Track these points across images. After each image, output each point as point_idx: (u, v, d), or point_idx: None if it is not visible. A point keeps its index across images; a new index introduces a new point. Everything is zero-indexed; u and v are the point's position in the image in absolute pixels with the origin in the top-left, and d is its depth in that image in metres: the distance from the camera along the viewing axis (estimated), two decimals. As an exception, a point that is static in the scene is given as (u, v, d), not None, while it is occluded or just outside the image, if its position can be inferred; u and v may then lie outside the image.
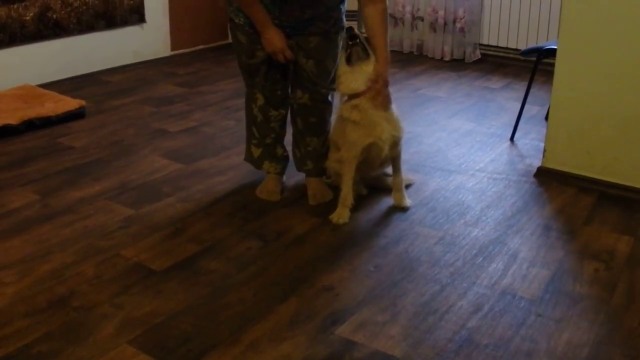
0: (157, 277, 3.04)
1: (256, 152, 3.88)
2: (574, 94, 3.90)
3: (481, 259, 3.23)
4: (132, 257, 3.20)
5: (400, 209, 3.69)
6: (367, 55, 3.44)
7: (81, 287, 2.96)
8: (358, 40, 3.41)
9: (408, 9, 7.09)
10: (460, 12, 6.77)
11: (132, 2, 6.43)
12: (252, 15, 3.43)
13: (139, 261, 3.16)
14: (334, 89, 3.65)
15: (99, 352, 2.56)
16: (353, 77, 3.46)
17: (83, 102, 5.12)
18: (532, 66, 4.70)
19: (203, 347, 2.60)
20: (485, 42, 6.90)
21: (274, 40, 3.45)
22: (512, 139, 4.74)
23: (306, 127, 3.78)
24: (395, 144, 3.56)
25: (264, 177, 3.92)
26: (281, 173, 3.92)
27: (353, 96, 3.48)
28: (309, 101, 3.71)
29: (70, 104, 5.05)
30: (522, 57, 6.33)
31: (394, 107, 3.55)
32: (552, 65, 3.96)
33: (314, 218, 3.59)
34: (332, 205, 3.63)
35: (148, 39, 6.73)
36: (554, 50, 4.03)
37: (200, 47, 7.22)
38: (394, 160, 3.68)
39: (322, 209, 3.66)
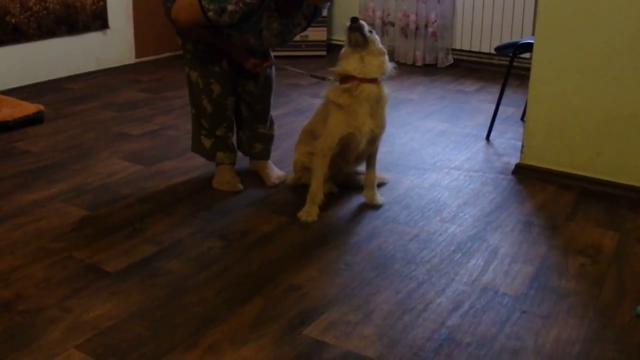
0: (111, 279, 2.81)
1: (207, 142, 3.72)
2: (552, 88, 3.74)
3: (459, 255, 3.03)
4: (85, 258, 2.96)
5: (372, 206, 3.49)
6: (366, 43, 3.25)
7: (28, 290, 2.72)
8: (356, 27, 3.23)
9: (378, 14, 6.93)
10: (432, 17, 6.61)
11: (94, 7, 6.21)
12: (209, 41, 3.44)
13: (92, 263, 2.93)
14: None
15: (43, 357, 2.32)
16: (351, 60, 3.27)
17: (41, 107, 4.89)
18: (506, 70, 4.56)
19: (158, 351, 2.37)
20: (457, 47, 6.75)
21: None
22: (487, 138, 4.58)
23: (251, 114, 3.77)
24: (374, 140, 3.40)
25: (216, 169, 3.77)
26: (234, 163, 3.79)
27: (345, 80, 3.28)
28: (255, 88, 3.69)
29: (27, 108, 4.83)
30: (495, 62, 6.22)
31: (385, 103, 3.37)
32: (526, 69, 3.82)
33: (281, 217, 3.38)
34: (299, 203, 3.42)
35: (112, 45, 6.51)
36: (530, 45, 3.89)
37: (167, 54, 7.01)
38: (370, 156, 3.51)
39: (289, 208, 3.46)
